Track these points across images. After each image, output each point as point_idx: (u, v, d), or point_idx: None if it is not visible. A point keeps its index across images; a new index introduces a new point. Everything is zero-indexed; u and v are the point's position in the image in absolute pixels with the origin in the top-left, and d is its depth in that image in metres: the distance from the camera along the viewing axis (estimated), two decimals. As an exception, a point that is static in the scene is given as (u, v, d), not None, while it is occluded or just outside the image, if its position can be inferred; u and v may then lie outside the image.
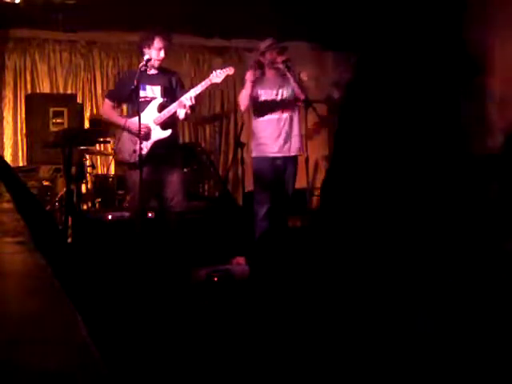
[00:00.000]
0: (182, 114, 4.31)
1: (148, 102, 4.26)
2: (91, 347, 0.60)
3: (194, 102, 4.21)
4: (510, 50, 1.79)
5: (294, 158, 4.72)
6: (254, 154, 4.83)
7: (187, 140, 6.98)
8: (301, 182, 4.95)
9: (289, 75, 4.54)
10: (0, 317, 0.69)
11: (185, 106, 4.22)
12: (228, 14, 5.96)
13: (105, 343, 0.77)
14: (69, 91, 6.63)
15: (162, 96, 4.32)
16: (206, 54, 7.03)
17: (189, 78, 6.31)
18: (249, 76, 4.61)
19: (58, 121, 5.81)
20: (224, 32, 6.80)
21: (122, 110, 4.77)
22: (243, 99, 4.66)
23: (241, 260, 4.67)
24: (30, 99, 6.11)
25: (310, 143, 4.95)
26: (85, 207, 5.74)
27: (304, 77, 6.98)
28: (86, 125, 6.27)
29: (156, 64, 4.27)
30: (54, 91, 6.56)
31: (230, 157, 7.11)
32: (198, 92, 4.25)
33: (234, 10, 5.78)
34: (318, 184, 7.13)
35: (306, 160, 4.69)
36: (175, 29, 6.29)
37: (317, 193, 6.88)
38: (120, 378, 0.64)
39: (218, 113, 7.07)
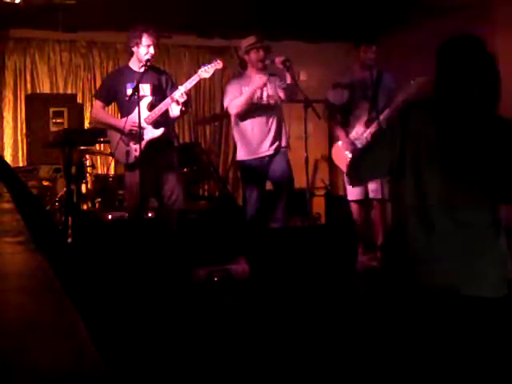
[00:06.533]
0: (176, 110, 4.28)
1: (139, 101, 4.19)
2: (91, 347, 0.60)
3: (185, 97, 4.19)
4: None
5: (281, 152, 4.70)
6: (241, 157, 4.74)
7: (187, 140, 6.98)
8: (300, 182, 4.95)
9: (288, 76, 4.52)
10: (0, 317, 0.69)
11: (177, 102, 4.19)
12: (228, 14, 5.96)
13: (105, 343, 0.77)
14: (69, 91, 6.63)
15: (151, 94, 4.29)
16: (206, 53, 7.02)
17: (189, 78, 6.31)
18: (260, 82, 4.50)
19: (58, 121, 5.80)
20: (224, 32, 6.80)
21: (108, 111, 4.75)
22: (240, 105, 4.56)
23: (241, 260, 4.67)
24: (30, 99, 6.10)
25: (310, 143, 4.94)
26: (85, 207, 5.74)
27: (303, 76, 6.99)
28: (86, 125, 6.27)
29: (145, 61, 4.22)
30: (54, 91, 6.55)
31: (230, 157, 7.10)
32: (187, 88, 4.22)
33: (234, 9, 5.77)
34: (318, 184, 7.14)
35: (306, 160, 4.68)
36: (175, 29, 6.32)
37: (316, 193, 6.88)
38: (120, 378, 0.64)
39: (218, 113, 7.06)
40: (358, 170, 2.21)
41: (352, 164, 2.31)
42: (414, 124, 2.03)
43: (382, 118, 4.69)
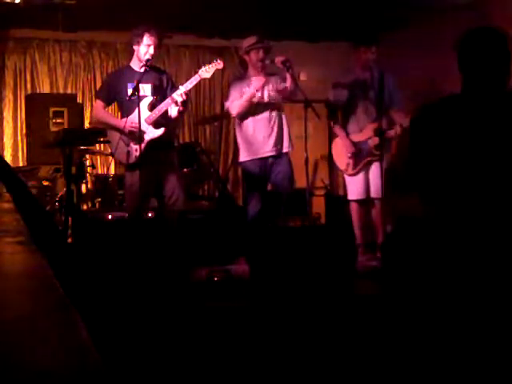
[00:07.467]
0: (174, 111, 4.28)
1: (139, 101, 4.18)
2: (91, 347, 0.60)
3: (185, 97, 4.19)
4: None
5: (285, 155, 4.71)
6: (244, 158, 4.75)
7: (187, 140, 6.98)
8: (300, 182, 4.95)
9: (288, 75, 4.52)
10: (0, 316, 0.69)
11: (176, 103, 4.19)
12: (228, 14, 5.96)
13: (105, 343, 0.77)
14: (69, 91, 6.62)
15: (152, 94, 4.29)
16: (206, 53, 7.02)
17: (189, 78, 6.30)
18: (258, 84, 4.51)
19: (58, 121, 5.80)
20: (224, 32, 6.79)
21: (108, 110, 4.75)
22: (240, 106, 4.58)
23: (241, 260, 4.67)
24: (30, 99, 6.10)
25: (310, 143, 4.94)
26: (85, 207, 5.74)
27: (303, 77, 6.99)
28: (86, 125, 6.27)
29: (145, 61, 4.22)
30: (54, 91, 6.55)
31: (230, 157, 7.11)
32: (188, 88, 4.22)
33: (234, 9, 5.77)
34: (318, 184, 7.13)
35: (306, 160, 4.69)
36: (175, 29, 6.31)
37: (316, 193, 6.88)
38: (120, 378, 0.64)
39: (218, 113, 7.06)
40: (399, 187, 2.21)
41: (390, 180, 2.32)
42: (439, 127, 2.02)
43: (388, 134, 4.73)
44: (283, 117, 4.74)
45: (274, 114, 4.66)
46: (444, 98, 2.15)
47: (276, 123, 4.67)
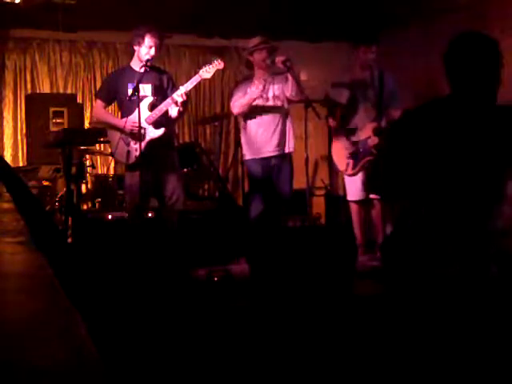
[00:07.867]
0: (174, 111, 4.28)
1: (139, 101, 4.18)
2: (91, 347, 0.60)
3: (185, 98, 4.19)
4: None
5: (288, 156, 4.73)
6: (248, 157, 4.78)
7: (187, 140, 6.98)
8: (300, 182, 4.95)
9: (289, 75, 4.52)
10: (0, 317, 0.69)
11: (176, 103, 4.19)
12: (228, 14, 5.96)
13: (105, 343, 0.77)
14: (69, 91, 6.62)
15: (152, 94, 4.29)
16: (206, 53, 7.02)
17: (189, 78, 6.29)
18: (256, 93, 4.53)
19: (58, 121, 5.80)
20: (224, 32, 6.79)
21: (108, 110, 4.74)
22: (240, 107, 4.60)
23: (241, 260, 4.67)
24: (30, 99, 6.10)
25: (310, 143, 4.94)
26: (85, 207, 5.74)
27: (304, 76, 6.99)
28: (86, 125, 6.27)
29: (145, 61, 4.21)
30: (54, 91, 6.55)
31: (230, 157, 7.10)
32: (188, 88, 4.22)
33: (234, 10, 5.77)
34: (318, 184, 7.13)
35: (306, 160, 4.69)
36: (175, 29, 6.31)
37: (316, 193, 6.88)
38: (120, 378, 0.64)
39: (218, 113, 7.06)
40: (381, 184, 2.20)
41: (373, 175, 2.31)
42: (426, 130, 2.02)
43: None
44: (288, 117, 4.76)
45: (277, 115, 4.68)
46: (428, 103, 2.14)
47: (280, 124, 4.68)
